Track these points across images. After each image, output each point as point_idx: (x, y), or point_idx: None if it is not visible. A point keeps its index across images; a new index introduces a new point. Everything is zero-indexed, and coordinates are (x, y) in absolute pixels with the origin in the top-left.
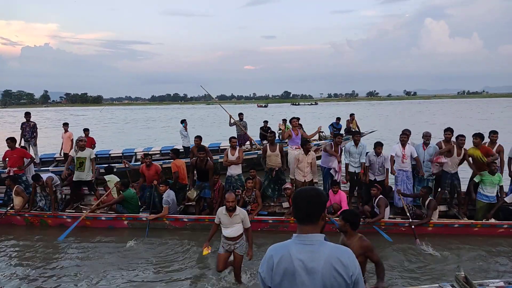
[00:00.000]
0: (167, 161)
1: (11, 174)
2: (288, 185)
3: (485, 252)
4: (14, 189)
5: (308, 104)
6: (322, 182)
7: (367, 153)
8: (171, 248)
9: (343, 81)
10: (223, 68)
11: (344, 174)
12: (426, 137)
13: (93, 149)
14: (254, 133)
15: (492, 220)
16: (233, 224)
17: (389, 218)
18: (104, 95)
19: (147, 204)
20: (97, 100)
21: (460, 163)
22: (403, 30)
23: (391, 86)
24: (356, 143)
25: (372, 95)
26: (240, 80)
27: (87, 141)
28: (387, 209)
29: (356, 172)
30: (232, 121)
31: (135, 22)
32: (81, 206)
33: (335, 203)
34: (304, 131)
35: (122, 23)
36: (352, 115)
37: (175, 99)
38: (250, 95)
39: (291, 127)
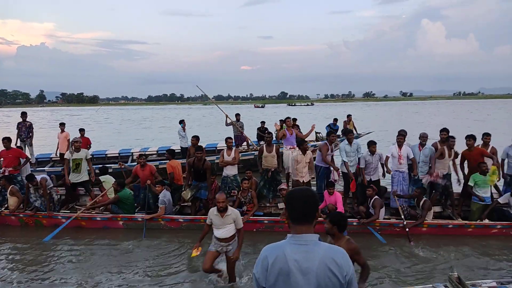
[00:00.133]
0: (164, 161)
1: (6, 174)
2: (283, 186)
3: (479, 253)
4: (9, 189)
5: (304, 105)
6: (316, 181)
7: (361, 154)
8: (166, 249)
9: (340, 81)
10: (220, 69)
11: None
12: (423, 138)
13: (88, 149)
14: (251, 134)
15: (486, 221)
16: (225, 225)
17: (384, 218)
18: (101, 95)
19: (141, 205)
20: (93, 100)
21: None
22: (400, 31)
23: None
24: (350, 142)
25: (368, 96)
26: (237, 80)
27: (82, 142)
28: (382, 210)
29: (353, 172)
30: (228, 121)
31: (132, 21)
32: (76, 207)
33: (330, 203)
34: (299, 131)
35: (119, 23)
36: (349, 116)
37: (172, 99)
38: (247, 95)
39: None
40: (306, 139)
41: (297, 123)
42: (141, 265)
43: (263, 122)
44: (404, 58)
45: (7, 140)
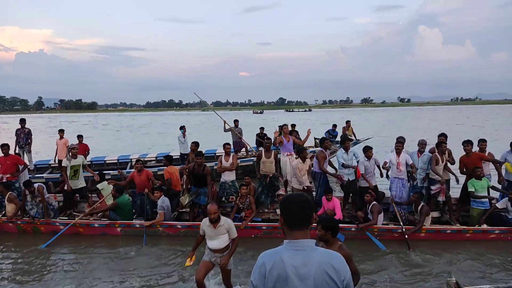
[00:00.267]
0: (163, 167)
1: (4, 180)
2: (281, 192)
3: (477, 258)
4: (7, 196)
5: (302, 111)
6: (316, 188)
7: (358, 161)
8: (165, 256)
9: (337, 87)
10: (218, 75)
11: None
12: (422, 145)
13: (87, 155)
14: (250, 140)
15: (484, 226)
16: (218, 236)
17: (382, 224)
18: (99, 102)
19: (138, 211)
20: (92, 107)
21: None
22: (397, 37)
23: (385, 92)
24: (347, 150)
25: (366, 102)
26: (235, 86)
27: (81, 148)
28: (381, 216)
29: (350, 179)
30: (227, 127)
31: (131, 28)
32: (74, 213)
33: (329, 209)
34: (297, 137)
35: (117, 29)
36: (348, 122)
37: (170, 105)
38: (245, 101)
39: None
40: (305, 145)
41: (296, 129)
42: (139, 273)
43: (262, 128)
44: (401, 64)
45: (6, 147)
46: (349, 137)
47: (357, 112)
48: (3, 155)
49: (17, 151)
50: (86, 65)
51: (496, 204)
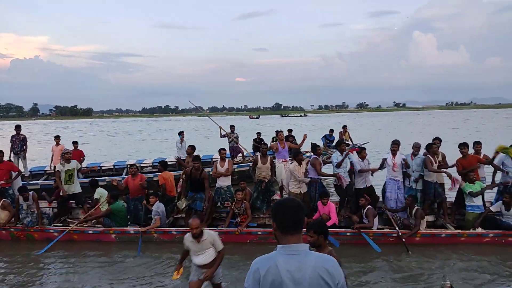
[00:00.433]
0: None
1: None
2: (277, 197)
3: (471, 261)
4: (1, 203)
5: (297, 116)
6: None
7: (351, 162)
8: (159, 262)
9: (333, 93)
10: (214, 81)
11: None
12: (416, 148)
13: (82, 162)
14: (246, 145)
15: (479, 229)
16: (203, 250)
17: (378, 228)
18: (95, 108)
19: (132, 218)
20: (87, 113)
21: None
22: (392, 43)
23: (380, 97)
24: (342, 152)
25: (362, 107)
26: (231, 92)
27: (76, 154)
28: (376, 219)
29: (348, 181)
30: (223, 133)
31: (127, 35)
32: (68, 220)
33: (324, 214)
34: (293, 143)
35: (114, 36)
36: (344, 127)
37: (166, 111)
38: (241, 107)
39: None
40: (302, 150)
41: (292, 134)
42: (133, 281)
43: (259, 133)
44: (396, 69)
45: (0, 154)
46: (346, 142)
47: (352, 117)
48: None
49: (11, 158)
50: (82, 72)
51: (491, 208)
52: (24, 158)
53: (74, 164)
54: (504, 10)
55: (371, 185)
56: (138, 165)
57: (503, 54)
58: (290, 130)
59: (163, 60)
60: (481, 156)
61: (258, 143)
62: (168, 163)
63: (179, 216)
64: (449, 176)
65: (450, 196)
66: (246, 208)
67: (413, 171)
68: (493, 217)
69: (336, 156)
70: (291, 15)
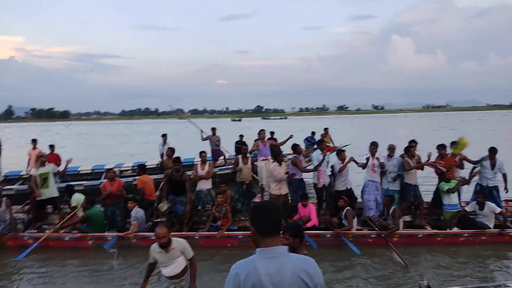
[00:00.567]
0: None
1: None
2: (258, 199)
3: (447, 261)
4: None
5: (278, 118)
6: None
7: (332, 165)
8: (138, 268)
9: (314, 95)
10: (196, 83)
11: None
12: (391, 149)
13: (58, 166)
14: (229, 147)
15: (455, 229)
16: (172, 260)
17: (357, 229)
18: (72, 110)
19: (110, 223)
20: (64, 115)
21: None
22: (371, 46)
23: (360, 100)
24: (322, 150)
25: (342, 109)
26: (213, 94)
27: (52, 158)
28: (355, 220)
29: (325, 185)
30: (204, 135)
31: (106, 35)
32: (44, 226)
33: (305, 215)
34: (274, 141)
35: (93, 37)
36: (326, 129)
37: (146, 113)
38: (223, 109)
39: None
40: (285, 153)
41: (274, 137)
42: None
43: (241, 136)
44: (375, 72)
45: None
46: (328, 144)
47: (332, 120)
48: None
49: None
50: (60, 73)
51: (465, 208)
52: None
53: (49, 168)
54: (479, 16)
55: (351, 188)
56: (117, 169)
57: (479, 58)
58: (272, 133)
59: (143, 61)
60: (459, 156)
61: (240, 145)
62: (148, 166)
63: (159, 220)
64: (429, 164)
65: (427, 196)
66: (227, 211)
67: (389, 172)
68: (468, 216)
69: (317, 154)
70: (273, 18)
